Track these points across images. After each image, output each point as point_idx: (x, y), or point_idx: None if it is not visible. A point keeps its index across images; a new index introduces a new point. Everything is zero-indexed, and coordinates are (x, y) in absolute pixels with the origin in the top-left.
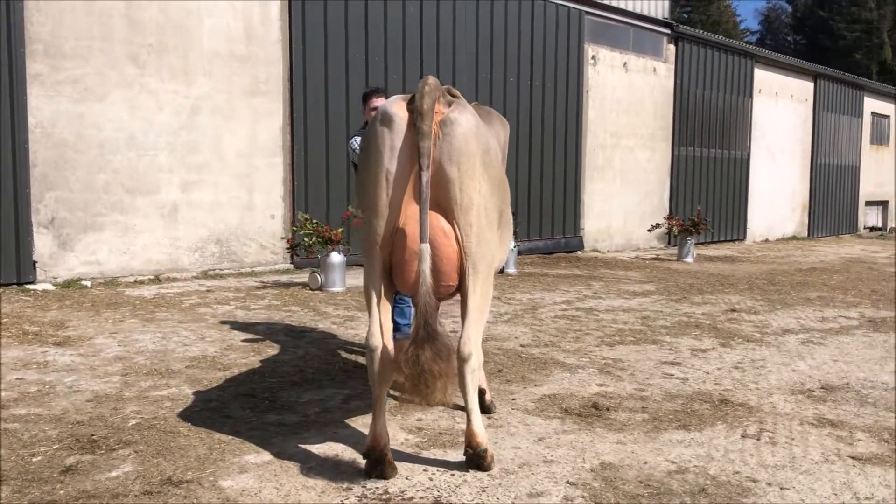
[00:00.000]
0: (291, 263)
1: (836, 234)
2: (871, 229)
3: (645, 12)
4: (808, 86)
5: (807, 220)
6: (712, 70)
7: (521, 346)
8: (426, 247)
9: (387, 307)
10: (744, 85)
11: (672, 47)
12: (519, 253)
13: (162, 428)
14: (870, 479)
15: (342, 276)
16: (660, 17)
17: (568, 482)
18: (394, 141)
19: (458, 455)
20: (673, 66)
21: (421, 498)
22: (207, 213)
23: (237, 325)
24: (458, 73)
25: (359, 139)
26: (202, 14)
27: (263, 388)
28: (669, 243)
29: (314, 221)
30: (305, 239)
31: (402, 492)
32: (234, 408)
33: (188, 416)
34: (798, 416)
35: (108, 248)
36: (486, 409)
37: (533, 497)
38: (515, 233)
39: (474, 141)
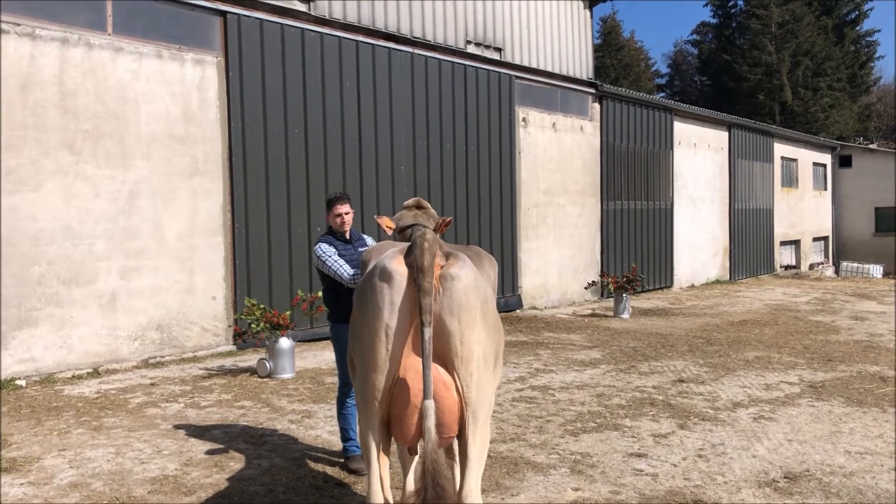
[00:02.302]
0: (234, 345)
1: (755, 274)
2: (787, 268)
3: (571, 73)
4: (723, 135)
5: (728, 264)
6: (635, 125)
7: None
8: (431, 403)
9: (385, 461)
10: (665, 138)
11: (597, 105)
12: None
13: None
14: None
15: (291, 361)
16: (584, 77)
17: None
18: (393, 297)
19: None
20: (598, 124)
21: None
22: (147, 300)
23: (192, 431)
24: (396, 143)
25: (325, 246)
26: (139, 101)
27: None
28: (602, 295)
29: (261, 307)
30: (253, 326)
31: None
32: None
33: None
34: None
35: (44, 344)
36: None
37: None
38: None
39: (474, 294)
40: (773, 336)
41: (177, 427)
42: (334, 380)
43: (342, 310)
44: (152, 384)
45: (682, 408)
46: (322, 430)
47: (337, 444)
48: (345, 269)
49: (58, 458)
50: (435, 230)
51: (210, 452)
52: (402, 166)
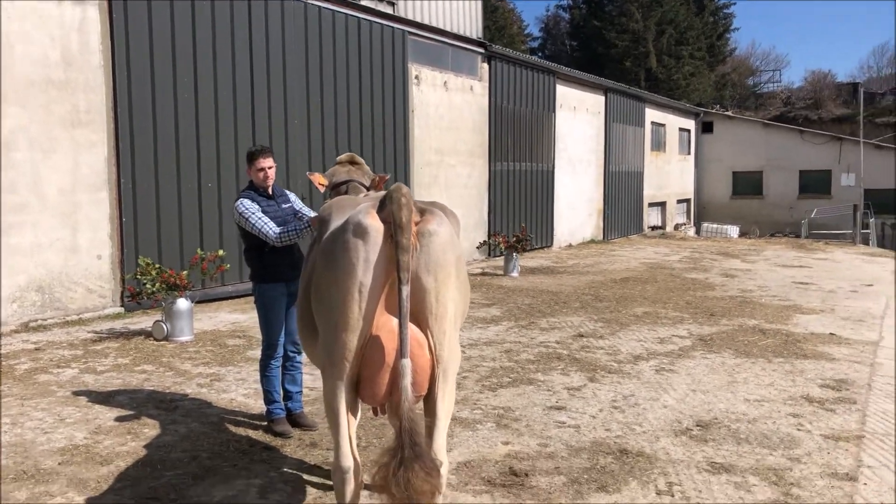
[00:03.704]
0: (122, 307)
1: (626, 234)
2: (653, 228)
3: (462, 32)
4: (600, 99)
5: (602, 224)
6: (521, 87)
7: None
8: (407, 362)
9: (353, 422)
10: (548, 101)
11: (486, 66)
12: None
13: None
14: None
15: (190, 323)
16: (474, 36)
17: None
18: (368, 254)
19: None
20: (487, 84)
21: None
22: (27, 258)
23: (94, 398)
24: (289, 96)
25: (247, 202)
26: (13, 43)
27: (165, 487)
28: (490, 255)
29: (157, 266)
30: (148, 286)
31: None
32: None
33: None
34: (692, 462)
35: None
36: None
37: None
38: None
39: (450, 251)
40: (655, 292)
41: (76, 394)
42: (236, 342)
43: (267, 269)
44: (37, 349)
45: (588, 362)
46: (235, 392)
47: (254, 407)
48: (270, 227)
49: None
50: (371, 187)
51: (120, 419)
52: (295, 120)
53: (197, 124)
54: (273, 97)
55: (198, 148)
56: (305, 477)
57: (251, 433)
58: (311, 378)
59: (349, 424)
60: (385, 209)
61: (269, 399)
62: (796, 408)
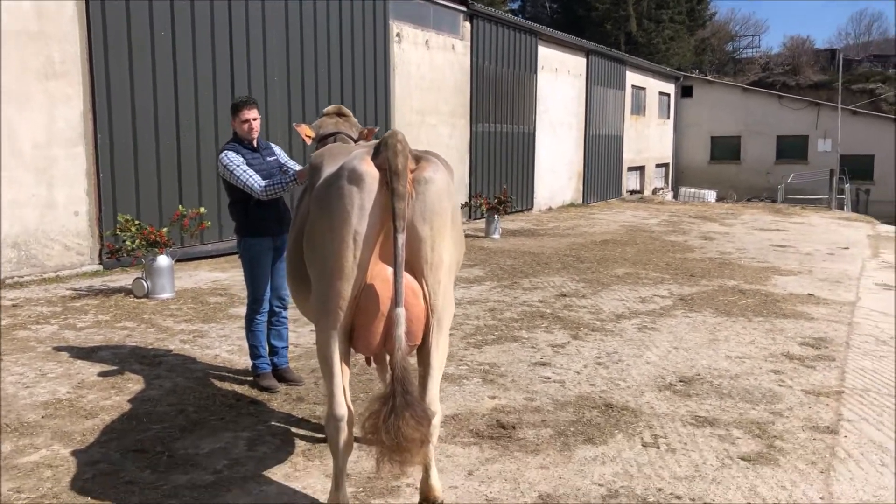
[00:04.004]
0: (100, 264)
1: (605, 198)
2: (632, 192)
3: None
4: (581, 61)
5: (581, 188)
6: (503, 47)
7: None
8: (402, 311)
9: (347, 371)
10: (529, 62)
11: (468, 25)
12: None
13: None
14: (767, 482)
15: (171, 280)
16: None
17: None
18: (364, 201)
19: (404, 502)
20: (469, 44)
21: None
22: (3, 215)
23: (75, 353)
24: (268, 52)
25: (231, 154)
26: None
27: (151, 440)
28: (470, 217)
29: (137, 223)
30: (128, 243)
31: None
32: (129, 469)
33: (81, 487)
34: (676, 416)
35: None
36: None
37: None
38: None
39: (446, 199)
40: (635, 254)
41: (57, 349)
42: (218, 299)
43: (252, 223)
44: (14, 305)
45: (571, 320)
46: (219, 349)
47: (238, 363)
48: (255, 180)
49: None
50: (359, 139)
51: (103, 374)
52: (275, 77)
53: (175, 80)
54: (252, 52)
55: (176, 103)
56: (293, 430)
57: (237, 388)
58: (295, 335)
59: (343, 374)
60: (380, 156)
61: (254, 354)
62: (777, 364)
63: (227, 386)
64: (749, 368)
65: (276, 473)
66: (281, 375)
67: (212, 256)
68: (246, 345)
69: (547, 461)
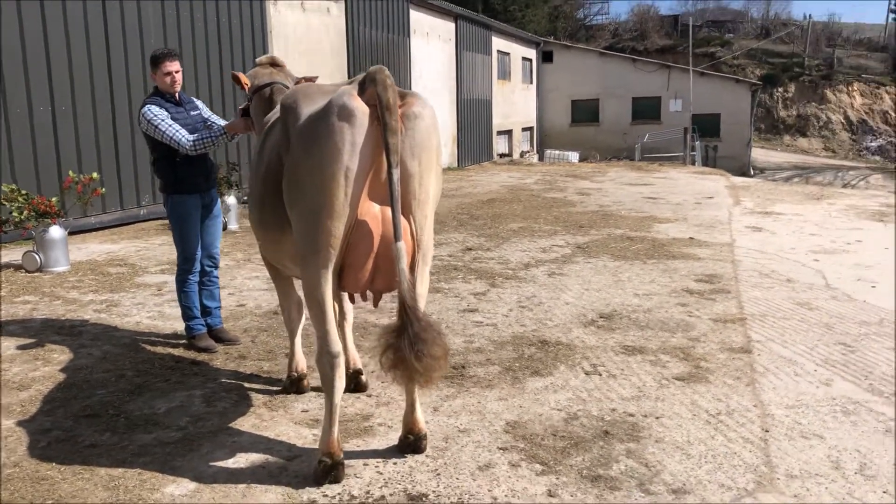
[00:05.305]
0: None
1: (478, 162)
2: (502, 156)
3: None
4: (451, 26)
5: (457, 152)
6: (377, 11)
7: None
8: (402, 244)
9: (336, 308)
10: (402, 26)
11: None
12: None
13: (25, 477)
14: (704, 396)
15: (65, 252)
16: None
17: (499, 448)
18: (355, 137)
19: (378, 442)
20: (343, 6)
21: (391, 495)
22: None
23: None
24: (144, 17)
25: (155, 108)
26: None
27: (100, 404)
28: None
29: (24, 193)
30: (15, 214)
31: (367, 492)
32: (88, 433)
33: (42, 454)
34: (607, 347)
35: None
36: (362, 387)
37: (485, 469)
38: (237, 185)
39: (434, 134)
40: (523, 210)
41: None
42: (119, 270)
43: (180, 180)
44: None
45: (484, 271)
46: (139, 316)
47: (164, 328)
48: (182, 135)
49: None
50: None
51: (22, 347)
52: (151, 39)
53: (46, 40)
54: (127, 7)
55: (49, 67)
56: (246, 385)
57: (172, 351)
58: (226, 292)
59: (335, 312)
60: (367, 91)
61: (188, 315)
62: (681, 298)
63: (161, 350)
64: (658, 303)
65: (244, 425)
66: (216, 336)
67: (97, 229)
68: (167, 310)
69: (503, 394)
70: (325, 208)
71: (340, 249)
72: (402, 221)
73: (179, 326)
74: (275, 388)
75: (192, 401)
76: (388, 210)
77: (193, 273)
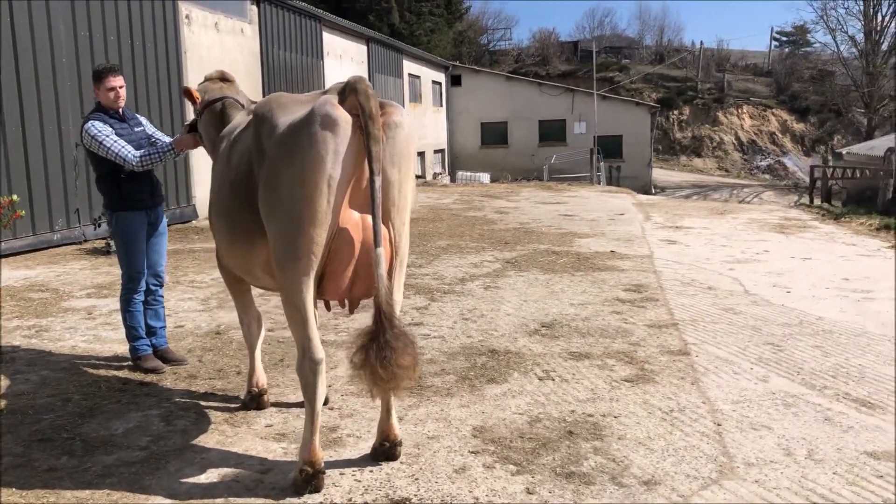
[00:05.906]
0: None
1: None
2: (416, 177)
3: None
4: (363, 49)
5: None
6: (290, 33)
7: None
8: (381, 251)
9: (317, 316)
10: (316, 48)
11: (255, 8)
12: None
13: None
14: (654, 396)
15: None
16: None
17: (470, 451)
18: (338, 146)
19: (350, 452)
20: (257, 28)
21: (373, 501)
22: None
23: None
24: (54, 30)
25: (99, 124)
26: None
27: (51, 428)
28: None
29: None
30: None
31: (350, 499)
32: (43, 458)
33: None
34: (554, 353)
35: None
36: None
37: (461, 472)
38: None
39: (413, 143)
40: (447, 228)
41: None
42: (41, 295)
43: (126, 197)
44: None
45: (421, 286)
46: (73, 340)
47: (103, 352)
48: (128, 151)
49: None
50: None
51: None
52: (63, 59)
53: None
54: (37, 28)
55: None
56: (203, 403)
57: (117, 373)
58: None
59: (315, 319)
60: (348, 100)
61: (132, 336)
62: (614, 307)
63: (104, 372)
64: (593, 312)
65: (209, 441)
66: (162, 356)
67: (7, 255)
68: (103, 333)
69: (464, 401)
70: (308, 216)
71: (322, 256)
72: (382, 228)
73: (118, 349)
74: (233, 406)
75: (149, 420)
76: (368, 217)
77: (139, 292)
